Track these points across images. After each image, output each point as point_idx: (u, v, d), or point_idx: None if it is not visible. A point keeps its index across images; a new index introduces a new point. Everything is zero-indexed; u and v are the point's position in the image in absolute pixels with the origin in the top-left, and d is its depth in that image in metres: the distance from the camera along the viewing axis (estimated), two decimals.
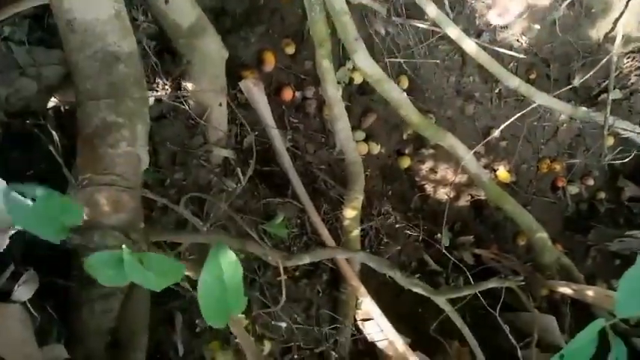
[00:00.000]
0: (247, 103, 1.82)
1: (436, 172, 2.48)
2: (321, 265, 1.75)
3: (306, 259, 1.01)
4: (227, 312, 0.80)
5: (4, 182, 0.81)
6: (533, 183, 2.79)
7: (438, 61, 2.33)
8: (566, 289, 2.09)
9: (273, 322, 1.54)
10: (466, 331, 1.44)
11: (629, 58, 2.73)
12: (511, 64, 2.54)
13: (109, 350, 1.07)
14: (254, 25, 1.88)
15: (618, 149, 2.60)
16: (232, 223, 1.59)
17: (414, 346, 1.72)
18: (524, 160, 2.73)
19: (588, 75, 2.45)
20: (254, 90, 1.74)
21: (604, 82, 2.70)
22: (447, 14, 2.27)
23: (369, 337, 1.71)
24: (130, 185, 1.03)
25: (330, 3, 1.52)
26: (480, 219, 2.66)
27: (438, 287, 2.10)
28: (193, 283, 0.93)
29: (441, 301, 1.28)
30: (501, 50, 2.39)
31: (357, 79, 2.17)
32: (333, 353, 1.64)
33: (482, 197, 2.60)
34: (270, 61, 1.91)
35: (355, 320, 1.75)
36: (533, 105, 2.20)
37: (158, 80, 1.46)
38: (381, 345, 1.68)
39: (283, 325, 1.54)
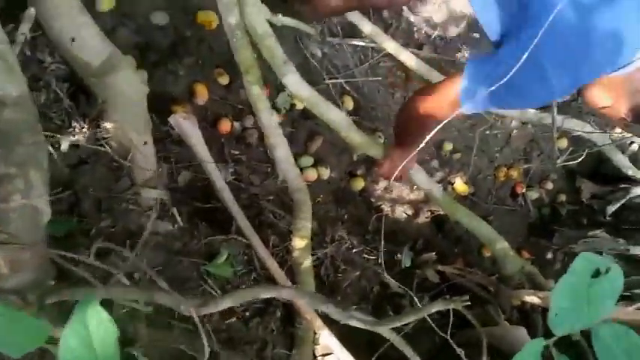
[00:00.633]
0: (182, 140, 1.74)
1: (391, 191, 2.42)
2: (274, 302, 1.65)
3: (225, 303, 0.91)
4: None
5: None
6: (492, 192, 2.75)
7: (380, 79, 2.28)
8: (533, 298, 2.03)
9: None
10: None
11: None
12: None
13: None
14: (182, 57, 1.80)
15: (569, 150, 2.59)
16: (171, 268, 1.49)
17: None
18: (480, 170, 2.69)
19: None
20: (185, 124, 1.65)
21: None
22: (386, 29, 2.24)
23: None
24: (30, 241, 0.93)
25: (251, 27, 1.46)
26: (443, 234, 2.60)
27: (402, 310, 2.02)
28: None
29: (384, 331, 1.19)
30: (446, 59, 2.38)
31: (299, 104, 2.11)
32: None
33: (442, 212, 2.54)
34: (202, 94, 1.84)
35: (315, 357, 1.65)
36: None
37: (74, 124, 1.37)
38: None
39: None
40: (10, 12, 1.23)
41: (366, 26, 2.01)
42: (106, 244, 1.20)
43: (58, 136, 1.32)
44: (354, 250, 2.04)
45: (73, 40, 1.26)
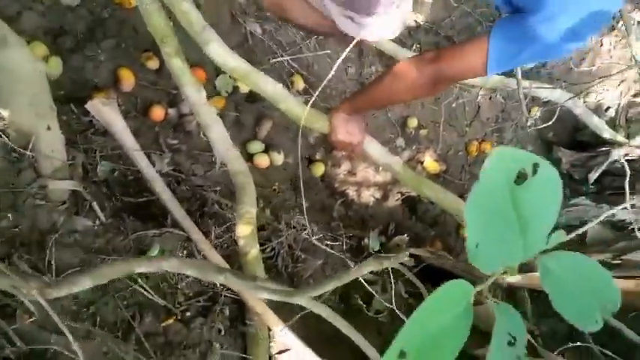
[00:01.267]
0: (108, 130, 1.57)
1: (355, 175, 2.25)
2: (220, 299, 1.48)
3: (83, 283, 0.74)
4: None
5: None
6: (465, 169, 2.59)
7: (329, 52, 2.12)
8: (516, 277, 1.87)
9: None
10: (346, 328, 1.20)
11: None
12: (414, 47, 2.36)
13: None
14: (100, 41, 1.64)
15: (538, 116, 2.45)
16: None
17: None
18: (450, 146, 2.53)
19: None
20: (105, 111, 1.48)
21: None
22: None
23: None
24: None
25: None
26: (417, 217, 2.44)
27: (373, 298, 1.85)
28: None
29: (302, 301, 1.03)
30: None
31: (243, 87, 1.95)
32: None
33: (414, 193, 2.38)
34: (128, 79, 1.67)
35: (271, 355, 1.47)
36: None
37: None
38: None
39: None
40: None
41: None
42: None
43: None
44: (314, 238, 1.87)
45: None
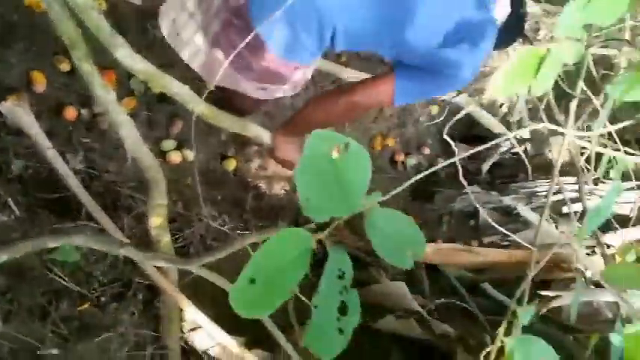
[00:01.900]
0: (22, 130, 1.65)
1: (266, 169, 2.41)
2: (134, 285, 1.60)
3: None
4: None
5: None
6: (370, 162, 2.81)
7: None
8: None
9: None
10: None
11: None
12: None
13: None
14: (10, 44, 1.71)
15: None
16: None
17: (253, 344, 1.61)
18: (356, 140, 2.74)
19: None
20: (17, 111, 1.57)
21: None
22: None
23: (199, 347, 1.58)
24: None
25: None
26: None
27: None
28: None
29: (194, 268, 1.18)
30: None
31: (156, 88, 2.05)
32: None
33: None
34: (39, 81, 1.75)
35: (183, 333, 1.61)
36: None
37: None
38: (213, 352, 1.55)
39: None
40: None
41: None
42: None
43: None
44: (226, 228, 2.02)
45: None
